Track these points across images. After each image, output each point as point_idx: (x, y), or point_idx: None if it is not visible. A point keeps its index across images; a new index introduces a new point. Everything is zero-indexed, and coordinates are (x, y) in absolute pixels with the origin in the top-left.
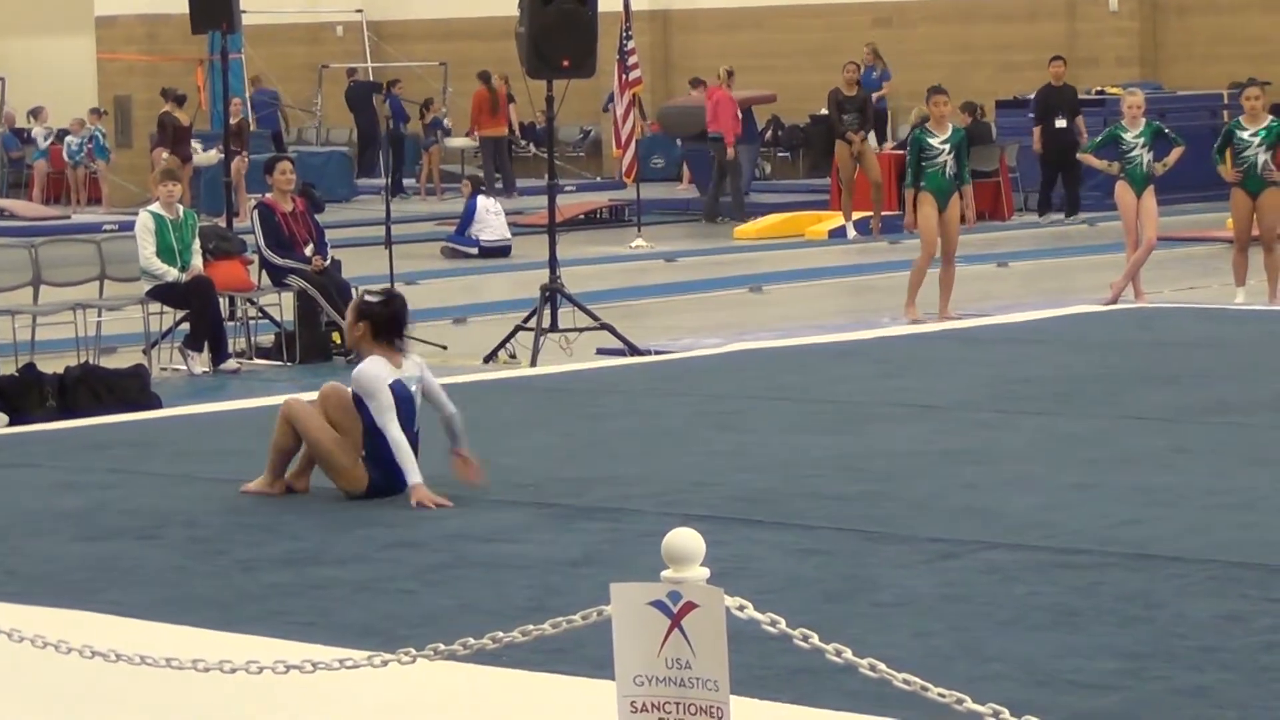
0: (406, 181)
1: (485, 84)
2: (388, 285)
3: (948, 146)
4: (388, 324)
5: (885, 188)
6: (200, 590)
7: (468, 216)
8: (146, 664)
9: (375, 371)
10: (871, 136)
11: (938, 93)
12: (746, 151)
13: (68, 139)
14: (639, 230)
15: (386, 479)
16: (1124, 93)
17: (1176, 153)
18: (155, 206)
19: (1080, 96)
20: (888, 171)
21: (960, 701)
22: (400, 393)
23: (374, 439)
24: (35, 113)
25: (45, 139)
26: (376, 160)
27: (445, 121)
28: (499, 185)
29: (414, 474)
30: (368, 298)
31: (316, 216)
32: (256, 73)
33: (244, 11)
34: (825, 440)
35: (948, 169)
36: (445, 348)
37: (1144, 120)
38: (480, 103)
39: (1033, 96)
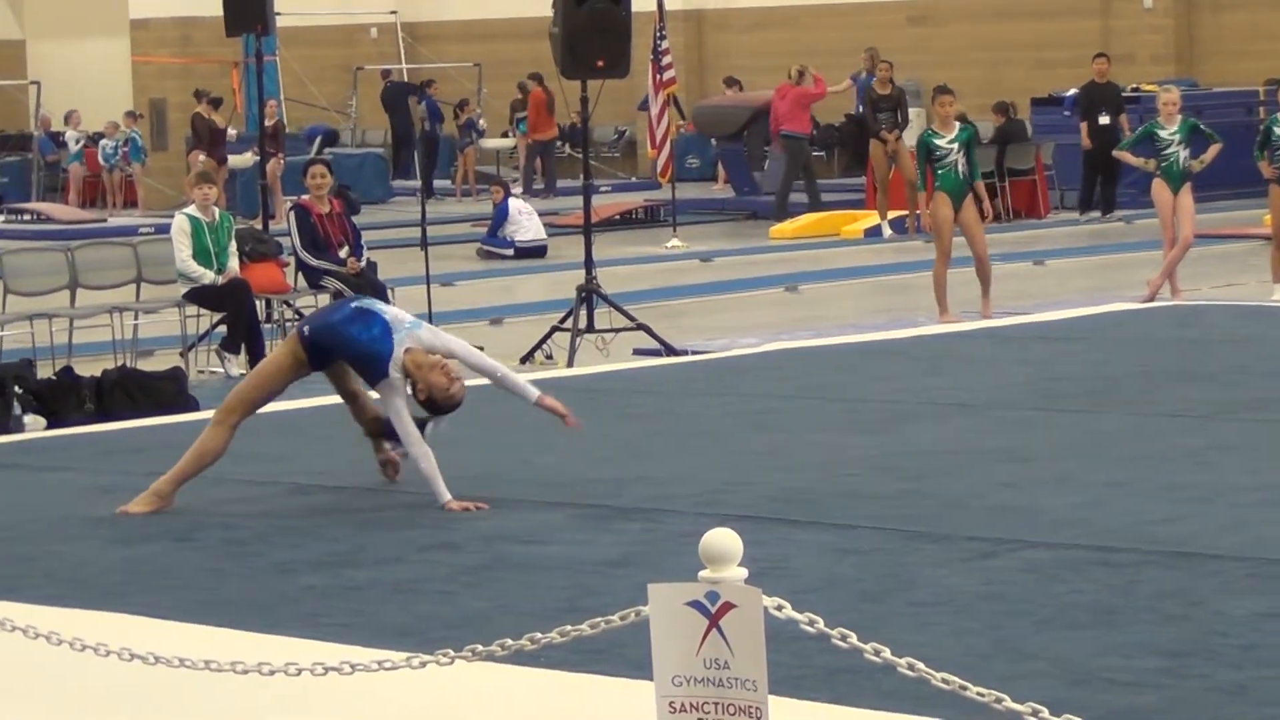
0: (440, 183)
1: (540, 85)
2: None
3: (956, 146)
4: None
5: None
6: (237, 593)
7: (499, 218)
8: (185, 666)
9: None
10: (907, 135)
11: (943, 93)
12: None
13: (102, 142)
14: (674, 230)
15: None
16: (1159, 90)
17: (1213, 149)
18: (191, 209)
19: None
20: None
21: (999, 700)
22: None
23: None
24: (68, 117)
25: (77, 143)
26: (411, 161)
27: (480, 122)
28: (539, 186)
29: (442, 493)
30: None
31: (353, 218)
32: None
33: (278, 14)
34: (862, 439)
35: (959, 168)
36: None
37: (1180, 117)
38: (538, 105)
39: (1072, 94)
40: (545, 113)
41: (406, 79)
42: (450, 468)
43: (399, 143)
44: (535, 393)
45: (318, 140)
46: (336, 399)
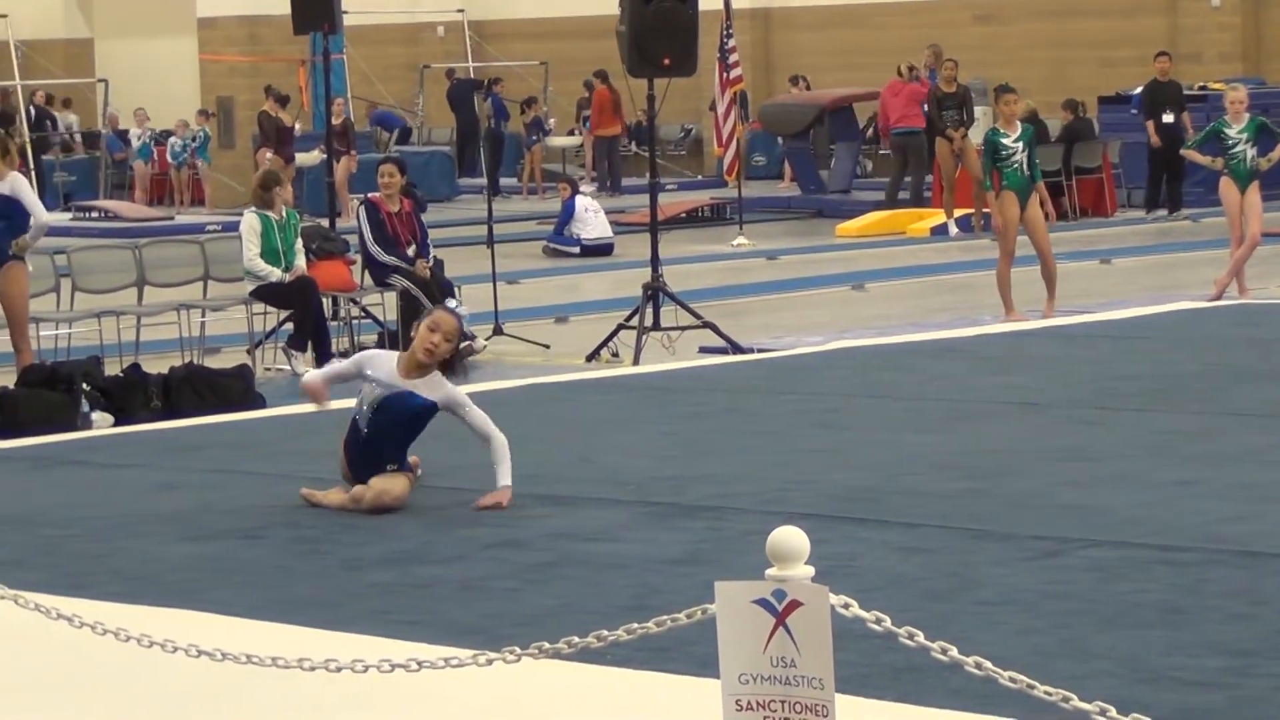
0: (505, 181)
1: (605, 83)
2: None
3: (1021, 145)
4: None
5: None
6: (304, 590)
7: (566, 215)
8: (252, 663)
9: (384, 359)
10: (972, 133)
11: (1007, 91)
12: (846, 149)
13: (171, 140)
14: (741, 228)
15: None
16: (1227, 88)
17: None
18: (267, 208)
19: (1184, 92)
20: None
21: (1066, 699)
22: (392, 400)
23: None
24: (135, 115)
25: (139, 140)
26: (477, 158)
27: (548, 121)
28: (608, 184)
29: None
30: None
31: (422, 217)
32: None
33: (345, 12)
34: (927, 438)
35: (1023, 167)
36: (548, 346)
37: (1247, 115)
38: (602, 102)
39: (1138, 92)
40: (609, 110)
41: (473, 77)
42: (513, 464)
43: (464, 140)
44: (508, 480)
45: (395, 133)
46: None
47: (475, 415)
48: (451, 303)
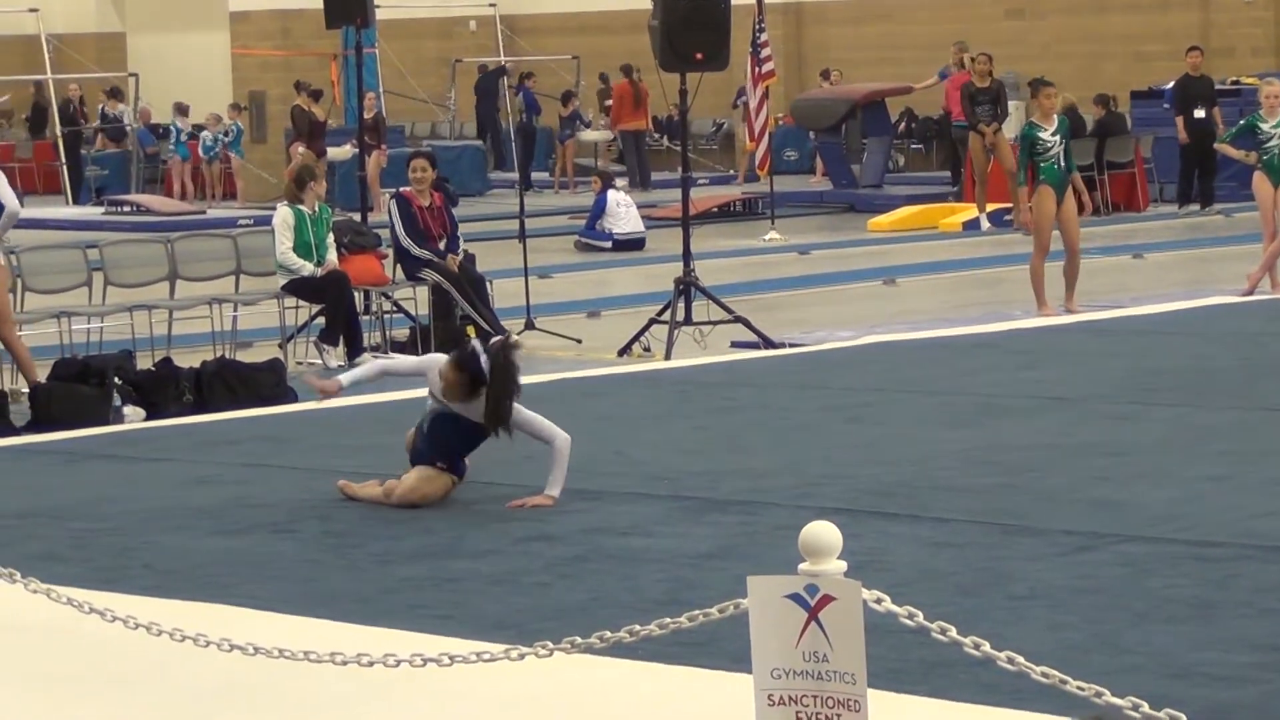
0: (537, 175)
1: (627, 77)
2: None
3: (1058, 139)
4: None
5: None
6: (336, 584)
7: (598, 210)
8: (284, 657)
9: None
10: (1006, 127)
11: (1046, 85)
12: (878, 144)
13: (203, 134)
14: (772, 223)
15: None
16: (1261, 83)
17: None
18: (302, 203)
19: (1216, 87)
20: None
21: (1099, 694)
22: (444, 413)
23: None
24: (180, 108)
25: (181, 135)
26: (503, 151)
27: (587, 115)
28: (637, 179)
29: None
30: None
31: (453, 211)
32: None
33: (377, 6)
34: (958, 433)
35: (1060, 161)
36: (580, 341)
37: None
38: (623, 96)
39: (1169, 87)
40: (631, 104)
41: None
42: (545, 459)
43: (481, 129)
44: (555, 490)
45: None
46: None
47: (530, 421)
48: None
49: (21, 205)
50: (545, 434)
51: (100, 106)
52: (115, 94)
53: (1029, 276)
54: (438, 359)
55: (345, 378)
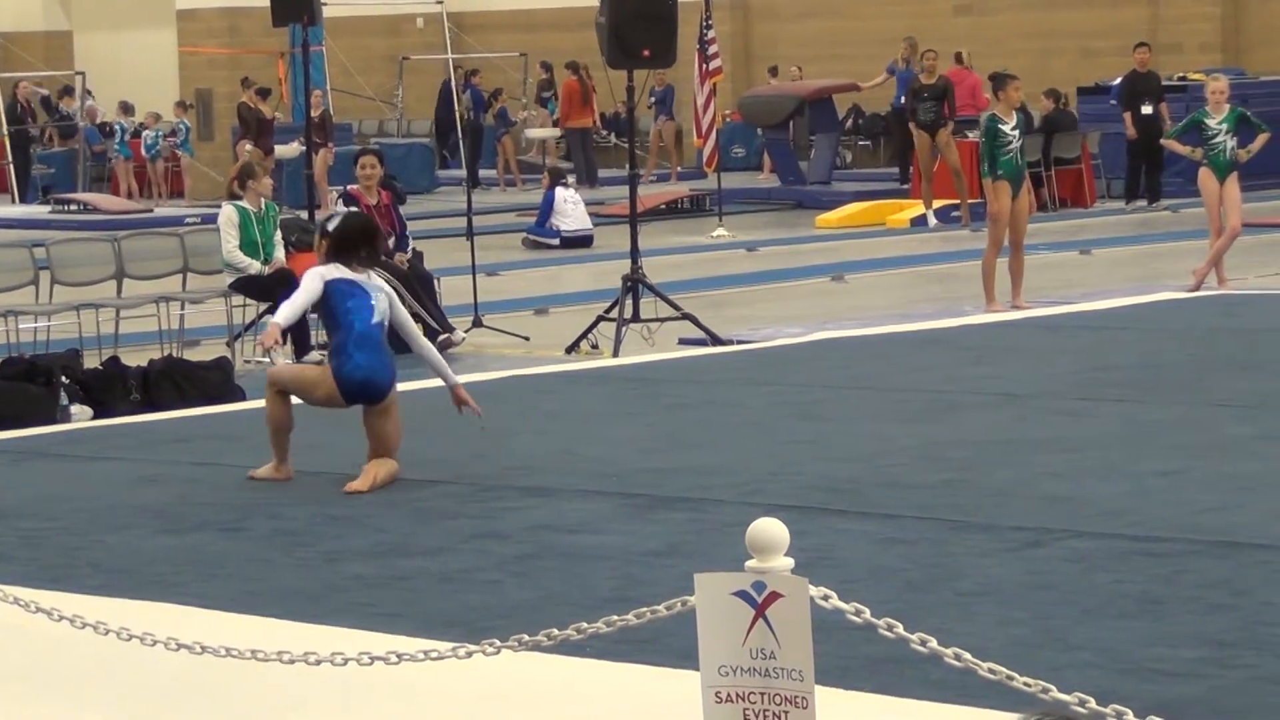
0: (485, 173)
1: (575, 74)
2: (355, 209)
3: (1018, 133)
4: (343, 243)
5: (966, 175)
6: (284, 582)
7: (547, 207)
8: (232, 656)
9: (318, 268)
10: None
11: (1011, 78)
12: (826, 140)
13: (145, 132)
14: (720, 220)
15: (356, 367)
16: (1207, 79)
17: (1261, 139)
18: (242, 200)
19: (1163, 83)
20: (966, 160)
21: (1046, 690)
22: (347, 289)
23: (334, 336)
24: (125, 107)
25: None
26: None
27: (521, 114)
28: (584, 176)
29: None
30: (328, 224)
31: (401, 209)
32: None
33: (324, 4)
34: (907, 429)
35: (1018, 156)
36: (528, 339)
37: (1228, 106)
38: (570, 93)
39: (1116, 83)
40: (579, 102)
41: (452, 69)
42: (495, 457)
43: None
44: (453, 380)
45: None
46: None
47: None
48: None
49: None
50: (406, 319)
51: (45, 97)
52: (68, 92)
53: (979, 272)
54: (316, 270)
55: (279, 318)
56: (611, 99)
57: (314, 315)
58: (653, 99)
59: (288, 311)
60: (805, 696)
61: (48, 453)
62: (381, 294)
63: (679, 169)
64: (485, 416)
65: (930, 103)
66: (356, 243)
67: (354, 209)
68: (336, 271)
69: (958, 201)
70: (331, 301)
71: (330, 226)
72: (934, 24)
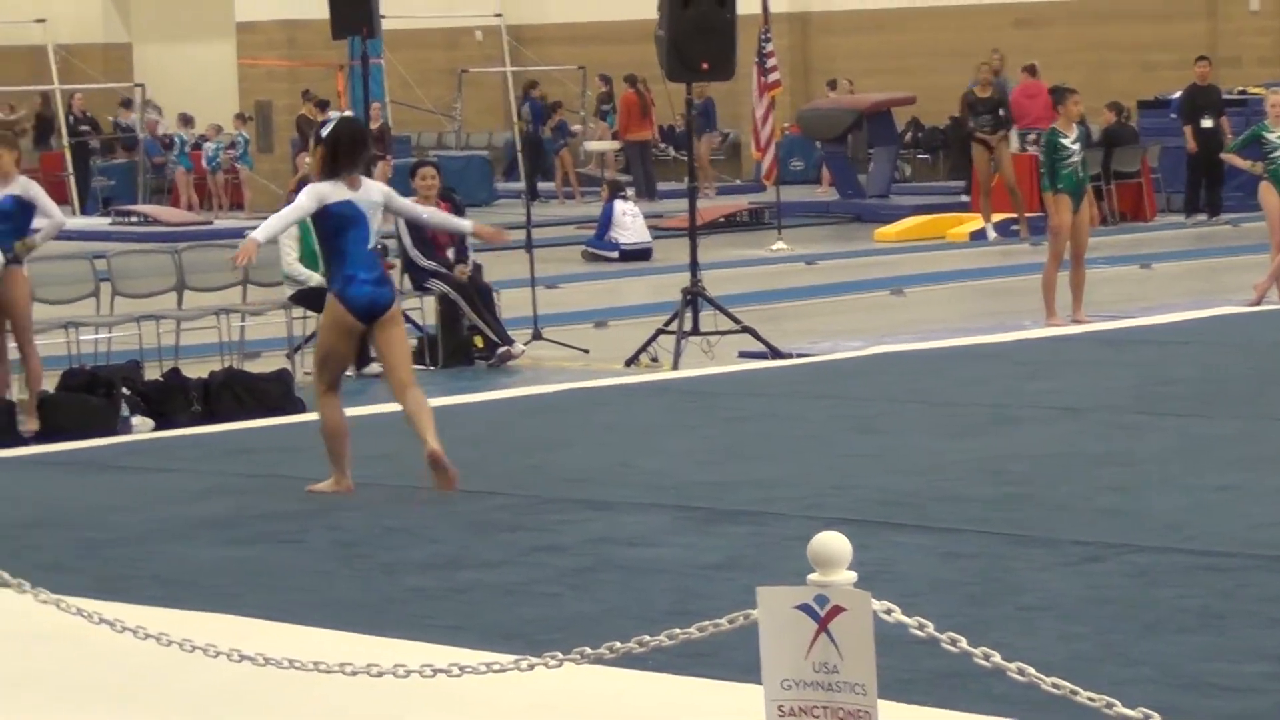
0: (544, 185)
1: (633, 87)
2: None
3: (1078, 146)
4: (338, 149)
5: (1024, 189)
6: (345, 594)
7: (605, 220)
8: (294, 667)
9: (316, 187)
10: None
11: (1071, 91)
12: (885, 154)
13: (205, 145)
14: (779, 233)
15: (360, 286)
16: (1267, 92)
17: None
18: None
19: (1223, 97)
20: (1025, 174)
21: (1110, 705)
22: (345, 211)
23: (332, 263)
24: (184, 119)
25: (181, 146)
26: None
27: (577, 127)
28: (644, 189)
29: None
30: (322, 130)
31: None
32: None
33: (384, 16)
34: (967, 443)
35: (1079, 169)
36: (587, 351)
37: None
38: (629, 106)
39: (1176, 97)
40: (637, 114)
41: (510, 82)
42: (553, 470)
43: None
44: (469, 225)
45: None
46: (438, 401)
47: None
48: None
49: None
50: (403, 201)
51: (113, 117)
52: (129, 104)
53: (1039, 286)
54: (313, 188)
55: (258, 234)
56: (670, 112)
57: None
58: (693, 113)
59: (275, 225)
60: (868, 710)
61: (108, 464)
62: (376, 210)
63: (716, 183)
64: (545, 427)
65: (987, 115)
66: (352, 148)
67: (347, 113)
68: (333, 192)
69: (1017, 215)
70: (328, 227)
71: (324, 132)
72: (992, 37)
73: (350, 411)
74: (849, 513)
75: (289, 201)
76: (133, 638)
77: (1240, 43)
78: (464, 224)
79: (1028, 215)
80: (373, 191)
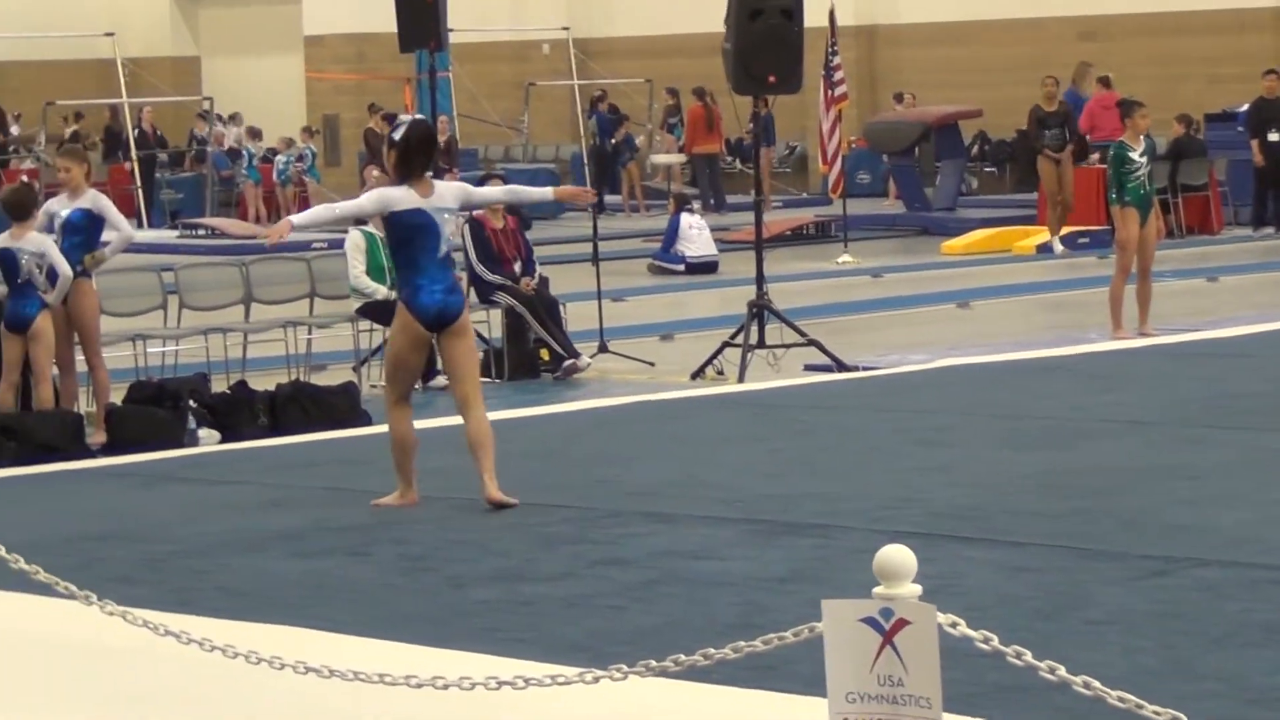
0: (610, 198)
1: (700, 100)
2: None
3: (1145, 159)
4: (410, 149)
5: (1090, 202)
6: (410, 606)
7: (671, 233)
8: (360, 680)
9: (382, 191)
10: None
11: (1139, 104)
12: (952, 166)
13: (276, 158)
14: (845, 246)
15: (430, 295)
16: None
17: None
18: (367, 225)
19: None
20: (1092, 186)
21: (1175, 719)
22: (416, 219)
23: (402, 270)
24: (253, 132)
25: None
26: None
27: (641, 139)
28: (712, 202)
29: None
30: (394, 133)
31: (526, 234)
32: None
33: (451, 30)
34: (1033, 456)
35: (1146, 182)
36: (653, 364)
37: None
38: (696, 120)
39: (1244, 110)
40: (704, 128)
41: (578, 95)
42: (618, 483)
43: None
44: (549, 192)
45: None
46: (504, 414)
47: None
48: None
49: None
50: (479, 191)
51: (190, 129)
52: (206, 117)
53: (1106, 299)
54: (383, 191)
55: (295, 219)
56: (737, 125)
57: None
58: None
59: (321, 215)
60: None
61: (175, 476)
62: (448, 216)
63: (780, 197)
64: (611, 441)
65: (1054, 129)
66: (423, 148)
67: (418, 116)
68: (403, 199)
69: (1086, 228)
70: (398, 235)
71: (396, 135)
72: (1058, 50)
73: (419, 424)
74: (914, 526)
75: (356, 220)
76: (199, 649)
77: None
78: (544, 191)
79: (1094, 228)
80: (446, 197)
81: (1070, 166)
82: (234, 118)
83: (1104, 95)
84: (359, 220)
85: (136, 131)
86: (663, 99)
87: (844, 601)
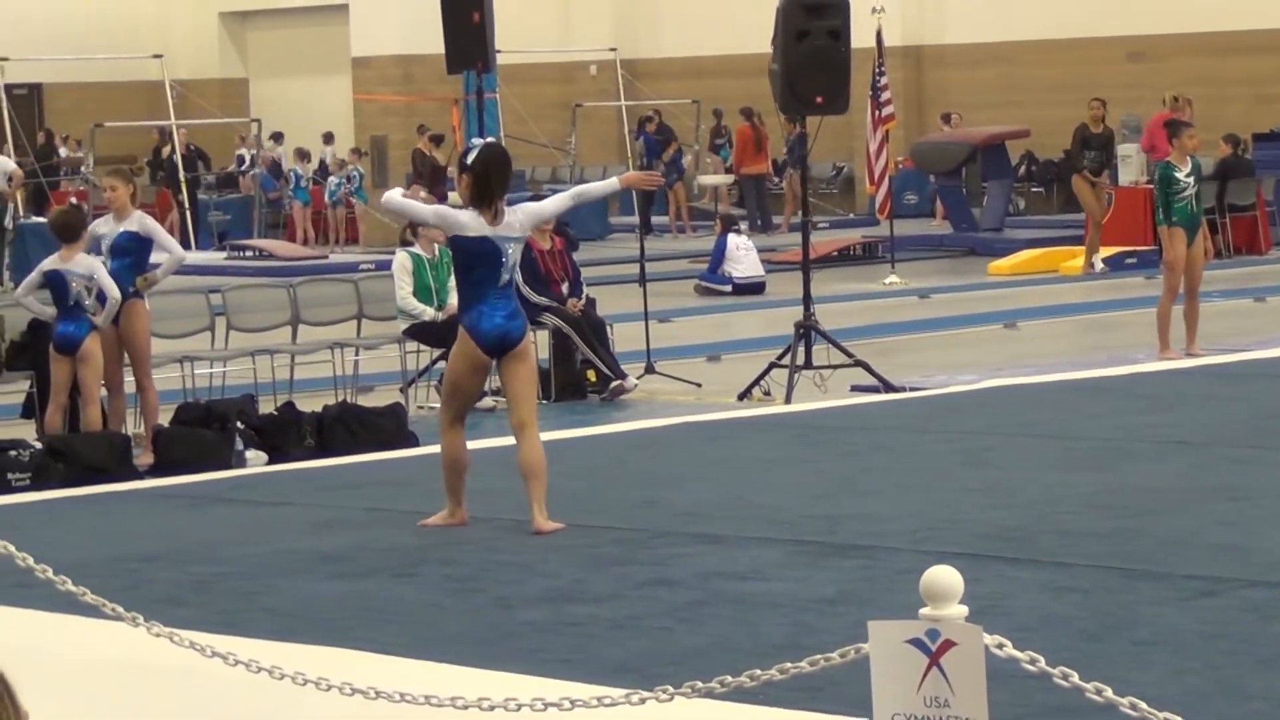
0: (657, 219)
1: (748, 121)
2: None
3: (1193, 180)
4: (489, 172)
5: (1137, 223)
6: (457, 628)
7: (719, 254)
8: (405, 701)
9: (451, 212)
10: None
11: (1186, 125)
12: (999, 187)
13: (329, 179)
14: (893, 267)
15: (491, 321)
16: None
17: None
18: (414, 246)
19: None
20: (1139, 207)
21: None
22: (480, 248)
23: (464, 292)
24: (301, 154)
25: (298, 181)
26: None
27: (688, 159)
28: (759, 223)
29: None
30: (467, 157)
31: (574, 255)
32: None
33: (499, 51)
34: (1080, 477)
35: (1193, 203)
36: (700, 385)
37: None
38: (744, 140)
39: None
40: (752, 148)
41: (625, 116)
42: (666, 504)
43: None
44: (615, 182)
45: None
46: (551, 435)
47: (532, 209)
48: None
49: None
50: (547, 205)
51: (237, 151)
52: (246, 139)
53: (1153, 319)
54: (450, 212)
55: (387, 195)
56: (784, 146)
57: None
58: (805, 149)
59: (398, 205)
60: None
61: (222, 498)
62: (512, 245)
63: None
64: (657, 462)
65: (1097, 151)
66: (502, 171)
67: (490, 139)
68: (470, 224)
69: (1133, 248)
70: (461, 260)
71: (470, 160)
72: (1106, 71)
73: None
74: (961, 546)
75: (402, 239)
76: (245, 671)
77: None
78: (610, 183)
79: (1141, 249)
80: (514, 225)
81: (1105, 188)
82: (275, 137)
83: (1165, 114)
84: (404, 241)
85: (181, 153)
86: (708, 120)
87: (890, 623)
